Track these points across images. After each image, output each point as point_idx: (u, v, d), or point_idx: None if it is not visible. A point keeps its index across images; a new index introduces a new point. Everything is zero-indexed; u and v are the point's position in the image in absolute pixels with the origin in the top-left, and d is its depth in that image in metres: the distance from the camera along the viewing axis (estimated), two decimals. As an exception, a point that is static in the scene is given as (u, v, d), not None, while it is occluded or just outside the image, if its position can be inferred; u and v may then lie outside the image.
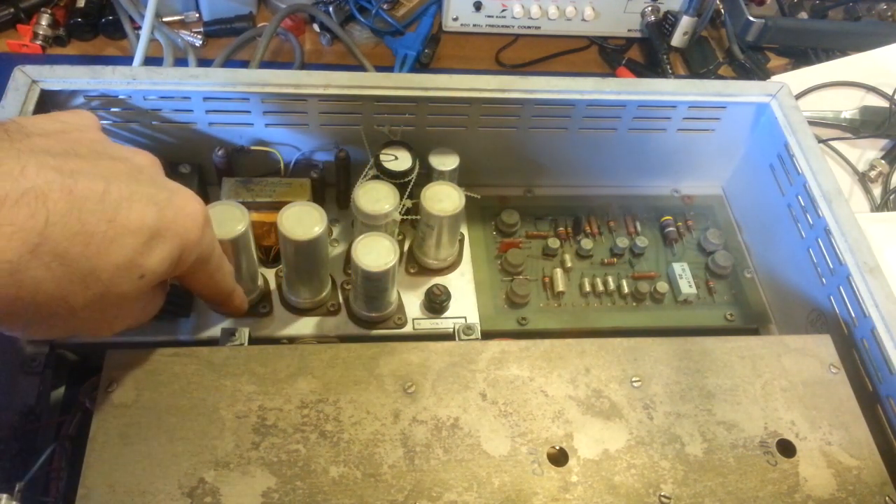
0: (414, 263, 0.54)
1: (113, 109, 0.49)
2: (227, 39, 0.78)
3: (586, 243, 0.57)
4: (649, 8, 0.83)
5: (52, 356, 0.47)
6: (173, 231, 0.33)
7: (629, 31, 0.86)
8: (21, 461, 0.42)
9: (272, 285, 0.51)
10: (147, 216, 0.32)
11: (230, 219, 0.44)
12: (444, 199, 0.49)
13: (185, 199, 0.34)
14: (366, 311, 0.49)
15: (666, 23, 0.83)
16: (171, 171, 0.52)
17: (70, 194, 0.29)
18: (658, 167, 0.60)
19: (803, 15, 0.89)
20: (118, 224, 0.31)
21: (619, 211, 0.60)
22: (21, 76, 0.47)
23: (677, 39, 0.82)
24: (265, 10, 0.83)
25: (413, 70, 0.78)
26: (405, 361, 0.41)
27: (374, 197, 0.49)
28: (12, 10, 0.74)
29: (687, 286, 0.55)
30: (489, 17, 0.83)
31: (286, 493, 0.36)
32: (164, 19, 0.77)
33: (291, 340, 0.49)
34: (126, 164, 0.33)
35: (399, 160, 0.51)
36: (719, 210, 0.62)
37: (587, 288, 0.55)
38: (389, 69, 0.79)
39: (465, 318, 0.52)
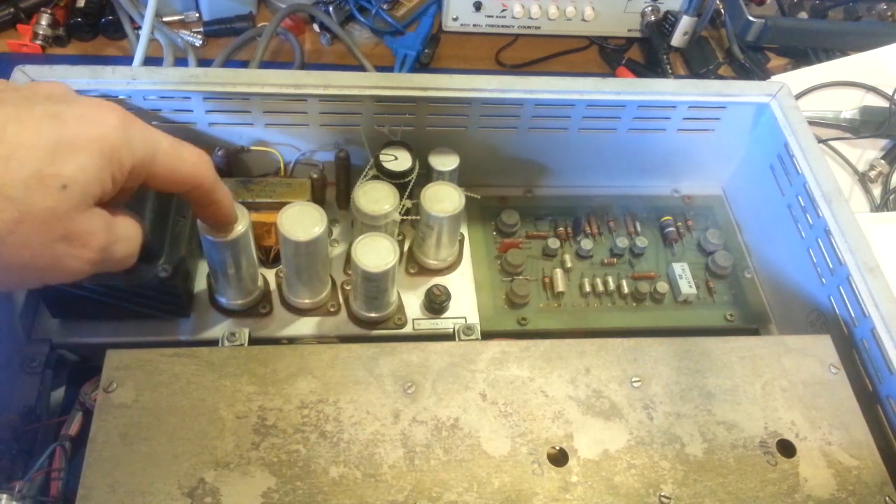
0: (414, 263, 0.54)
1: (113, 109, 0.49)
2: (227, 39, 0.78)
3: (586, 243, 0.57)
4: (649, 8, 0.83)
5: (53, 356, 0.47)
6: (84, 138, 0.31)
7: (629, 31, 0.86)
8: (21, 461, 0.42)
9: (272, 285, 0.51)
10: (43, 131, 0.30)
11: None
12: (444, 199, 0.49)
13: (88, 107, 0.32)
14: (366, 312, 0.49)
15: (666, 23, 0.83)
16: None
17: None
18: (658, 167, 0.60)
19: (803, 15, 0.89)
20: (8, 142, 0.29)
21: (619, 211, 0.60)
22: (21, 76, 0.47)
23: (677, 39, 0.82)
24: (265, 10, 0.83)
25: (413, 70, 0.78)
26: (405, 362, 0.41)
27: (374, 197, 0.49)
28: (12, 9, 0.74)
29: (687, 286, 0.55)
30: (489, 17, 0.83)
31: (286, 494, 0.36)
32: (164, 19, 0.77)
33: (291, 340, 0.49)
34: (16, 93, 0.32)
35: (399, 160, 0.51)
36: (719, 210, 0.62)
37: (587, 288, 0.55)
38: (389, 69, 0.79)
39: (465, 318, 0.52)
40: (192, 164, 0.36)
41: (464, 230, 0.56)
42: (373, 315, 0.50)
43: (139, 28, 0.71)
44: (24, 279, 0.31)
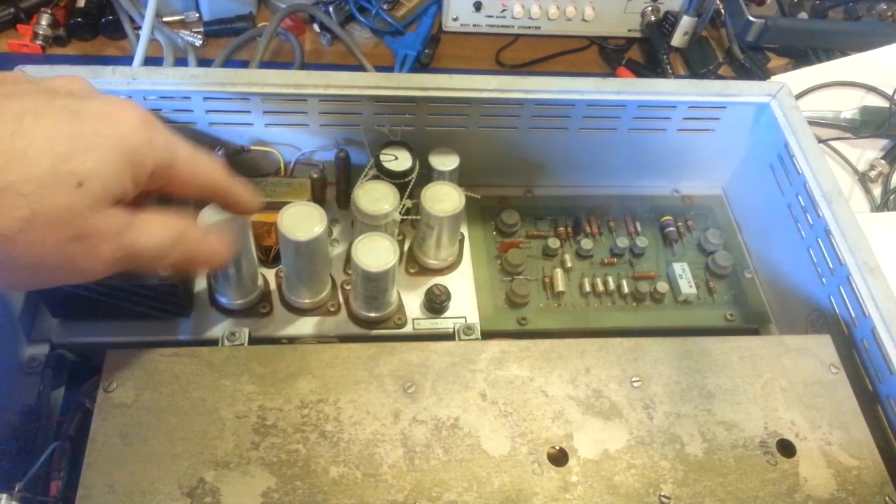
0: (414, 263, 0.54)
1: (113, 109, 0.49)
2: (227, 39, 0.78)
3: (586, 243, 0.57)
4: (649, 8, 0.83)
5: (52, 356, 0.47)
6: (103, 136, 0.30)
7: (629, 31, 0.85)
8: (21, 461, 0.42)
9: (272, 285, 0.51)
10: (61, 127, 0.29)
11: (230, 219, 0.44)
12: (444, 199, 0.49)
13: (109, 105, 0.32)
14: (366, 311, 0.49)
15: (666, 23, 0.83)
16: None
17: None
18: (658, 167, 0.60)
19: (803, 15, 0.89)
20: (25, 135, 0.28)
21: (619, 211, 0.60)
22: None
23: (677, 39, 0.82)
24: (265, 10, 0.83)
25: (413, 70, 0.78)
26: (405, 361, 0.41)
27: (374, 197, 0.49)
28: (12, 10, 0.74)
29: (687, 286, 0.55)
30: (489, 17, 0.83)
31: (286, 493, 0.36)
32: (164, 19, 0.77)
33: (291, 340, 0.49)
34: (35, 86, 0.31)
35: (399, 160, 0.51)
36: (719, 210, 0.62)
37: (587, 288, 0.55)
38: (389, 69, 0.79)
39: (465, 318, 0.52)
40: (208, 169, 0.37)
41: (464, 230, 0.56)
42: (373, 315, 0.50)
43: (139, 28, 0.71)
44: (35, 279, 0.31)
